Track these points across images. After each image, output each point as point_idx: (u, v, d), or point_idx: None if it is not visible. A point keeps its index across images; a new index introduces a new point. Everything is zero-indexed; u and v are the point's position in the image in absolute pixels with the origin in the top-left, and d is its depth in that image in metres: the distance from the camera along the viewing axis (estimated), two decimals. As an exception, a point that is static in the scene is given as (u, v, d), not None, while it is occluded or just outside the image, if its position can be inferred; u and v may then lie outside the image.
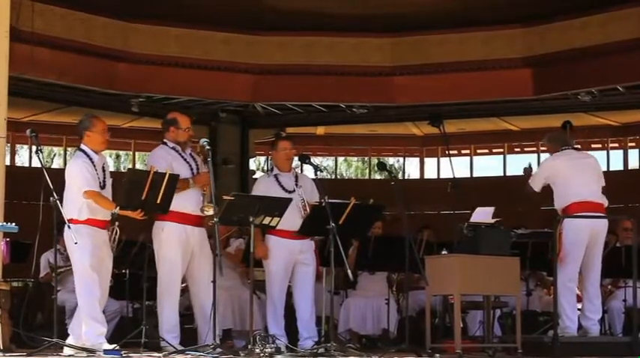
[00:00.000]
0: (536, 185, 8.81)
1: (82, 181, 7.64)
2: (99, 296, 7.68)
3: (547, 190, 8.83)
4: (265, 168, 18.94)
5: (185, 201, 7.95)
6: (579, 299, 8.90)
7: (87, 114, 8.32)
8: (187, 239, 8.03)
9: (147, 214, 7.75)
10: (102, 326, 7.63)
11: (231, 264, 10.11)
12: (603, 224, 8.66)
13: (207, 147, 7.96)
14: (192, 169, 8.12)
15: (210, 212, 7.80)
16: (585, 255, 8.56)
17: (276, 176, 8.63)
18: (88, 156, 7.79)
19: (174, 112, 8.53)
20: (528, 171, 9.06)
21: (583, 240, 8.50)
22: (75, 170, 7.71)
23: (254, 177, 14.76)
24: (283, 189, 8.51)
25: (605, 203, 8.68)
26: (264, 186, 8.57)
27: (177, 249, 8.05)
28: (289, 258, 8.53)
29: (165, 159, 8.09)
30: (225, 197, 7.81)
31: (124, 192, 7.64)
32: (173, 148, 8.20)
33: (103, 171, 7.83)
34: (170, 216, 7.99)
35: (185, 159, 8.15)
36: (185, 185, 8.00)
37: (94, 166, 7.76)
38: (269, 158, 18.28)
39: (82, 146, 7.88)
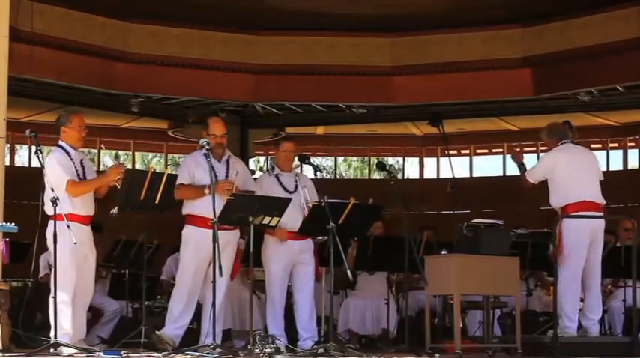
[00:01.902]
0: (535, 177, 8.70)
1: (62, 173, 7.64)
2: (72, 295, 7.66)
3: (547, 190, 8.78)
4: (265, 168, 18.94)
5: (206, 206, 7.91)
6: (581, 299, 8.90)
7: (65, 110, 8.32)
8: (206, 242, 7.92)
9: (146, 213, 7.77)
10: (65, 327, 7.59)
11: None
12: (601, 223, 8.64)
13: (207, 147, 7.95)
14: (217, 177, 8.05)
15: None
16: (586, 255, 8.53)
17: (277, 176, 8.63)
18: (65, 150, 7.81)
19: (213, 117, 8.57)
20: (516, 159, 8.97)
21: (584, 239, 8.47)
22: (51, 164, 7.70)
23: (254, 177, 14.74)
24: (284, 189, 8.52)
25: (603, 202, 8.65)
26: (266, 185, 8.56)
27: (192, 251, 8.13)
28: (289, 259, 8.53)
29: (188, 167, 8.21)
30: (224, 197, 7.81)
31: (122, 193, 7.64)
32: (204, 154, 8.07)
33: (82, 166, 7.84)
34: (193, 220, 8.13)
35: (212, 166, 7.94)
36: (199, 192, 7.98)
37: (72, 160, 7.76)
38: (269, 158, 18.33)
39: (60, 142, 7.90)
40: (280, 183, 8.56)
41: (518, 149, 9.04)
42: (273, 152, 8.95)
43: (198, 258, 8.12)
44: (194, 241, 8.14)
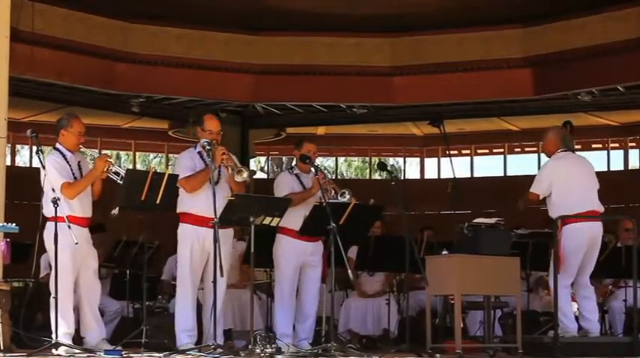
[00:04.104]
0: (542, 191, 8.60)
1: (57, 176, 7.66)
2: (71, 297, 7.69)
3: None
4: (266, 168, 18.94)
5: (201, 204, 7.92)
6: (573, 299, 8.91)
7: (67, 114, 8.34)
8: (203, 241, 7.98)
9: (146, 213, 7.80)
10: (66, 327, 7.64)
11: (233, 265, 10.14)
12: (600, 228, 8.64)
13: (208, 147, 7.95)
14: (219, 175, 8.03)
15: (245, 175, 7.82)
16: (582, 259, 8.53)
17: (297, 175, 8.63)
18: (61, 153, 7.85)
19: (208, 114, 8.46)
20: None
21: (582, 245, 8.46)
22: (48, 167, 7.71)
23: (254, 177, 14.73)
24: (305, 189, 8.53)
25: (602, 209, 8.64)
26: (289, 183, 8.55)
27: (190, 250, 8.07)
28: (300, 259, 8.53)
29: (190, 161, 8.11)
30: (225, 197, 7.81)
31: (123, 193, 7.65)
32: (199, 152, 8.12)
33: (80, 168, 7.86)
34: (188, 218, 8.07)
35: (207, 164, 7.99)
36: (207, 173, 7.91)
37: (68, 162, 7.79)
38: (269, 158, 18.34)
39: (57, 145, 7.94)
40: (301, 183, 8.57)
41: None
42: (294, 152, 8.86)
43: (198, 256, 8.08)
44: (190, 240, 8.07)
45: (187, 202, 8.06)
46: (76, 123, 7.94)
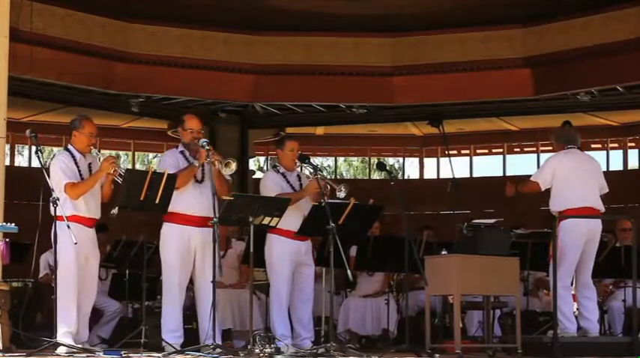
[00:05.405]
0: (543, 181, 8.61)
1: (61, 175, 7.68)
2: (75, 296, 7.68)
3: (546, 191, 8.76)
4: (265, 168, 18.94)
5: (188, 203, 7.93)
6: (574, 299, 8.91)
7: (80, 115, 8.34)
8: (188, 240, 7.99)
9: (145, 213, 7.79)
10: (67, 326, 7.62)
11: (232, 264, 10.14)
12: (599, 225, 8.64)
13: (207, 147, 7.94)
14: (203, 173, 8.04)
15: (233, 166, 7.83)
16: (580, 256, 8.54)
17: (283, 174, 8.62)
18: (71, 154, 7.86)
19: (187, 114, 8.47)
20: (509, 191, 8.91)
21: (580, 241, 8.47)
22: (54, 166, 7.75)
23: (254, 177, 14.76)
24: (292, 187, 8.52)
25: (602, 209, 8.65)
26: (276, 182, 8.51)
27: (176, 250, 8.02)
28: (295, 259, 8.51)
29: (175, 161, 8.10)
30: (224, 197, 7.81)
31: (122, 193, 7.65)
32: (181, 152, 8.15)
33: (90, 169, 7.87)
34: (172, 217, 8.02)
35: (190, 162, 8.03)
36: (192, 170, 7.93)
37: (77, 164, 7.81)
38: (269, 158, 18.33)
39: (69, 146, 7.97)
40: (288, 182, 8.56)
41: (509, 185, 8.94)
42: (275, 152, 8.86)
43: (184, 256, 8.04)
44: (177, 240, 8.02)
45: (172, 201, 7.95)
46: (88, 125, 7.97)
